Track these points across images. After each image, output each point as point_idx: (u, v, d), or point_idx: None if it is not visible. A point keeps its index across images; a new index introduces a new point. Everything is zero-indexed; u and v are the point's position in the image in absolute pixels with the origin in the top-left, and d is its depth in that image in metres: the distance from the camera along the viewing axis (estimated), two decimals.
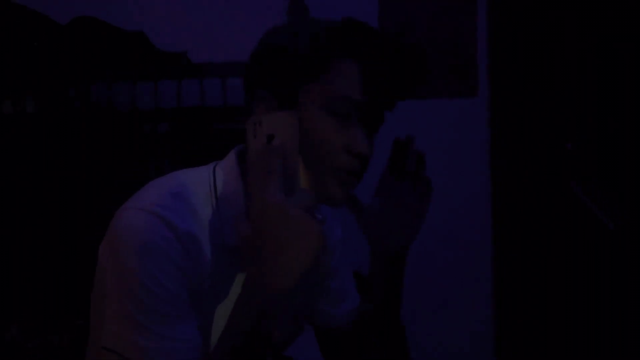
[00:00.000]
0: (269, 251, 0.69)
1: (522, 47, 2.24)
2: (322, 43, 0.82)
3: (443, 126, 2.24)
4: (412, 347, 1.76)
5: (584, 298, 2.28)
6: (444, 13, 2.20)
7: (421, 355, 2.15)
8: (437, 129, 2.24)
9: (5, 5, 1.68)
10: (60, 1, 1.82)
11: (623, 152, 2.27)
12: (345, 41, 0.82)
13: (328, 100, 0.82)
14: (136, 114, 1.74)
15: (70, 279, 1.52)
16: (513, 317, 2.33)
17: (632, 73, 2.24)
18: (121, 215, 0.79)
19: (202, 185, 0.85)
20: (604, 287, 2.26)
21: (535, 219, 2.30)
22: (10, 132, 1.65)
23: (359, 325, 1.05)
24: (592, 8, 2.22)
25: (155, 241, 0.76)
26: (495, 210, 2.29)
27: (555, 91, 2.26)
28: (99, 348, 0.80)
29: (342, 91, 0.82)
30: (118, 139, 1.70)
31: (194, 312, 0.79)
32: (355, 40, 0.83)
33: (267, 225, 0.69)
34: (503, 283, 2.31)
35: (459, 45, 2.22)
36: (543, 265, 2.31)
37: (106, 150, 1.68)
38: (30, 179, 1.64)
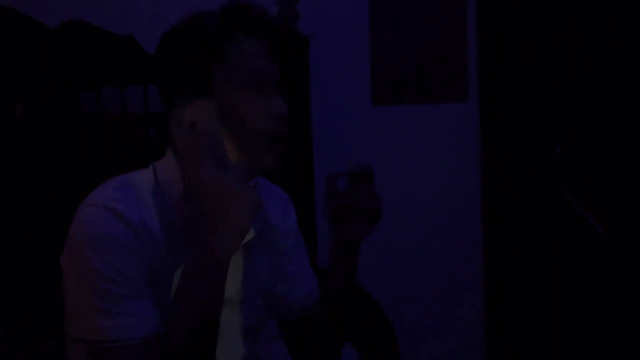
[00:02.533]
0: (211, 221, 0.76)
1: (512, 53, 2.26)
2: (215, 27, 0.90)
3: (436, 130, 2.25)
4: (402, 348, 1.76)
5: (575, 300, 2.28)
6: (434, 21, 2.21)
7: (412, 356, 2.15)
8: (430, 133, 2.25)
9: None
10: (49, 5, 1.81)
11: (613, 156, 2.28)
12: (238, 20, 0.91)
13: (239, 77, 0.90)
14: (126, 118, 1.72)
15: (56, 285, 1.50)
16: (503, 318, 2.33)
17: (622, 78, 2.26)
18: (74, 216, 0.87)
19: (145, 179, 0.93)
20: (594, 290, 2.27)
21: (525, 221, 2.30)
22: None
23: (319, 308, 1.10)
24: (582, 15, 2.24)
25: (105, 229, 0.83)
26: (486, 212, 2.29)
27: (545, 96, 2.27)
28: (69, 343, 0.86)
29: (248, 65, 0.90)
30: (107, 142, 1.68)
31: (150, 290, 0.86)
32: (245, 18, 0.91)
33: (204, 198, 0.77)
34: (494, 285, 2.31)
35: (450, 52, 2.23)
36: (534, 267, 2.32)
37: (96, 154, 1.67)
38: (18, 184, 1.62)
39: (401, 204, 2.22)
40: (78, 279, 0.83)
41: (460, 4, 2.22)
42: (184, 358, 0.78)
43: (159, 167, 0.94)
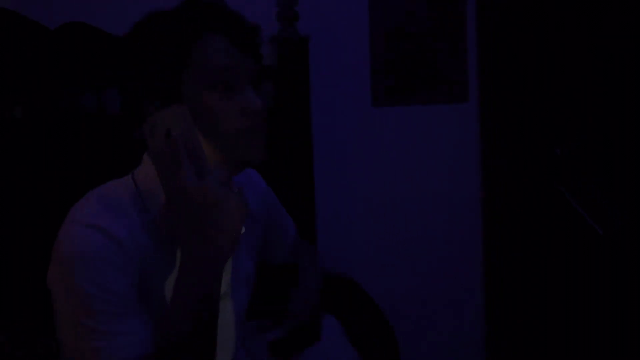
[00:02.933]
0: (200, 231, 0.77)
1: (512, 54, 2.26)
2: (178, 29, 0.87)
3: (436, 130, 2.25)
4: (402, 348, 1.76)
5: (575, 300, 2.28)
6: (434, 21, 2.21)
7: (412, 356, 2.15)
8: (430, 133, 2.25)
9: None
10: (49, 6, 1.81)
11: (613, 156, 2.28)
12: (199, 19, 0.88)
13: (207, 77, 0.86)
14: (126, 118, 1.72)
15: None
16: (503, 318, 2.33)
17: (622, 78, 2.26)
18: (59, 234, 0.84)
19: (124, 189, 0.90)
20: (594, 290, 2.27)
21: (525, 221, 2.30)
22: None
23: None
24: (582, 15, 2.24)
25: (92, 248, 0.80)
26: (486, 212, 2.29)
27: (545, 96, 2.27)
28: None
29: (214, 64, 0.86)
30: (107, 142, 1.68)
31: (143, 307, 0.84)
32: (205, 16, 0.88)
33: (189, 208, 0.77)
34: (494, 285, 2.31)
35: (450, 52, 2.23)
36: (534, 268, 2.32)
37: (96, 154, 1.67)
38: (18, 184, 1.62)
39: (401, 204, 2.22)
40: (69, 302, 0.81)
41: (460, 4, 2.22)
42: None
43: (138, 175, 0.93)
